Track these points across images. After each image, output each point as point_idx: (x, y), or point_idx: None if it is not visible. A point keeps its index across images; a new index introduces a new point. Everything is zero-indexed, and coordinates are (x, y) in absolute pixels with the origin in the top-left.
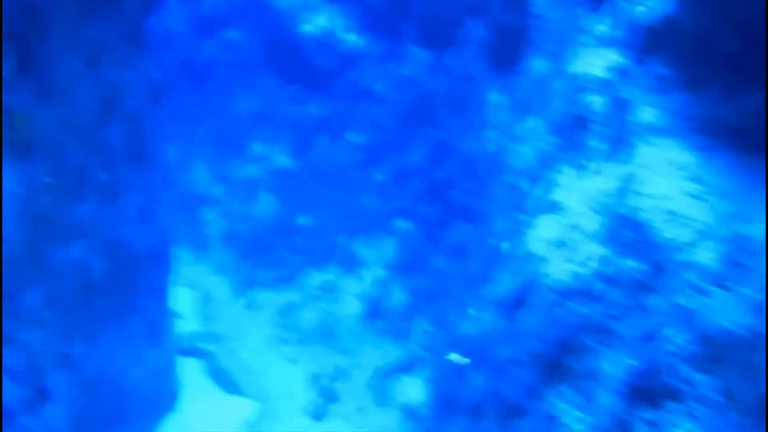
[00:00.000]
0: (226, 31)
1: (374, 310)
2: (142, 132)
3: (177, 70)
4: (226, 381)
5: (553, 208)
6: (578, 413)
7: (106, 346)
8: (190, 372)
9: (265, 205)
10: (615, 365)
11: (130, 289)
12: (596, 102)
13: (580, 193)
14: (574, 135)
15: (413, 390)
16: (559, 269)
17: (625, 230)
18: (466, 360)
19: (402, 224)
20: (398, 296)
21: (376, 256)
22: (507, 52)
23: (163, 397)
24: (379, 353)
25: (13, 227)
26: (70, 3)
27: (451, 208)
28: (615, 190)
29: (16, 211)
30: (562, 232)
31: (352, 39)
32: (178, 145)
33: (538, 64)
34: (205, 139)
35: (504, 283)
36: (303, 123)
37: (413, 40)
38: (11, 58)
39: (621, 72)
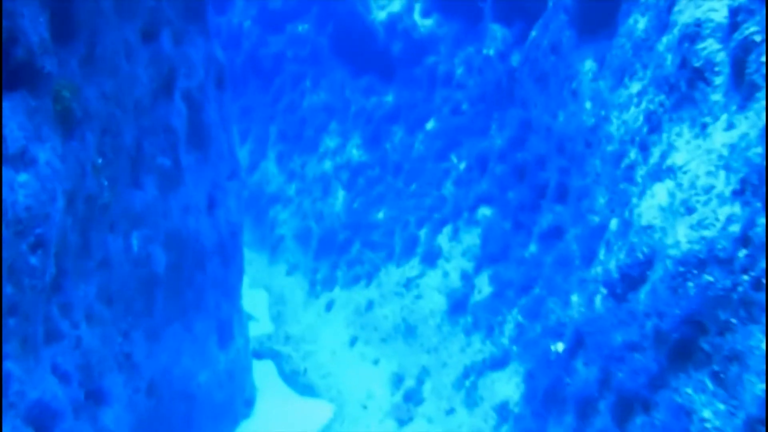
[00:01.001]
0: (294, 25)
1: (460, 305)
2: (206, 116)
3: (246, 67)
4: (303, 384)
5: (671, 172)
6: (721, 405)
7: (171, 346)
8: (265, 376)
9: (340, 201)
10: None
11: (197, 286)
12: (717, 50)
13: (705, 152)
14: (692, 91)
15: (507, 388)
16: (685, 237)
17: None
18: (561, 346)
19: (486, 212)
20: (486, 289)
21: (460, 248)
22: (599, 15)
23: (237, 402)
24: (468, 350)
25: (54, 209)
26: None
27: (541, 190)
28: (754, 142)
29: (58, 191)
30: (686, 197)
31: (427, 23)
32: (248, 144)
33: (639, 22)
34: (276, 136)
35: (614, 261)
36: (377, 114)
37: (492, 18)
38: (44, 19)
39: (747, 12)
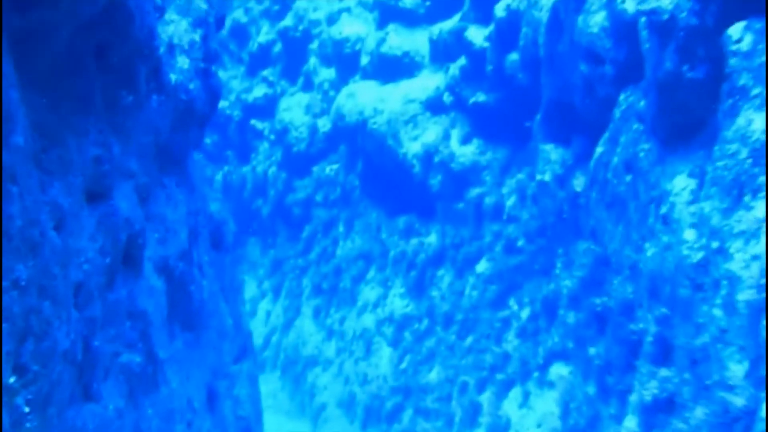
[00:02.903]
0: (322, 167)
1: None
2: (196, 288)
3: (274, 217)
4: None
5: None
6: None
7: None
8: None
9: (385, 360)
10: None
11: None
12: None
13: None
14: None
15: None
16: None
17: None
18: None
19: (562, 371)
20: None
21: (534, 418)
22: (687, 118)
23: None
24: None
25: None
26: (39, 87)
27: (634, 346)
28: None
29: None
30: None
31: (467, 151)
32: (281, 300)
33: (755, 121)
34: (311, 290)
35: None
36: (419, 258)
37: (544, 137)
38: None
39: None
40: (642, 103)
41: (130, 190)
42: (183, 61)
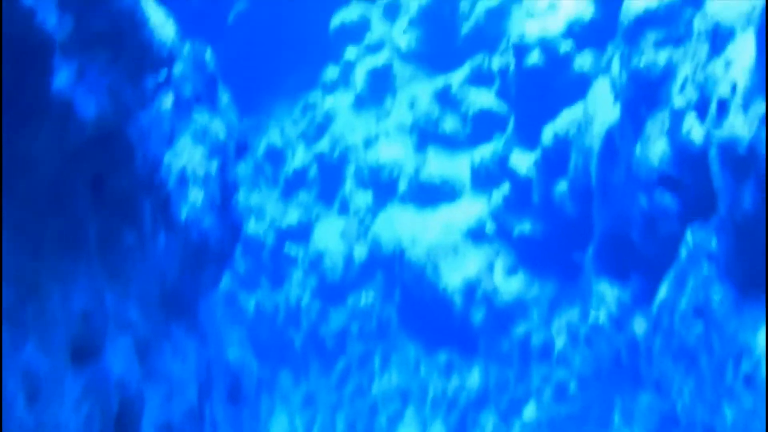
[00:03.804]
0: (358, 296)
1: None
2: None
3: (307, 348)
4: None
5: None
6: None
7: None
8: None
9: None
10: None
11: None
12: None
13: None
14: None
15: None
16: None
17: None
18: None
19: None
20: None
21: None
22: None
23: None
24: None
25: None
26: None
27: None
28: None
29: None
30: None
31: (512, 285)
32: None
33: None
34: (344, 427)
35: None
36: (461, 398)
37: (597, 273)
38: None
39: None
40: (714, 242)
41: (127, 344)
42: (196, 195)
